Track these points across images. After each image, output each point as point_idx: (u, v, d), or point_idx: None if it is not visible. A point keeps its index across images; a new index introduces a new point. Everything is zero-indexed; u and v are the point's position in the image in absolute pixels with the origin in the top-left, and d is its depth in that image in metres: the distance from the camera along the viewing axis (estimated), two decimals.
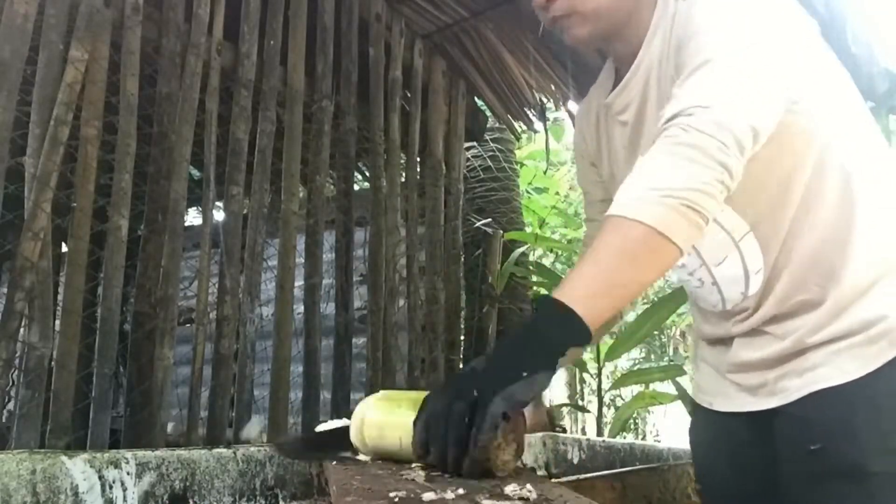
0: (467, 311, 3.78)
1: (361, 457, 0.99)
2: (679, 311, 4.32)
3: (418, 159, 3.33)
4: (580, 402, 7.39)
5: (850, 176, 1.02)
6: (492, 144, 4.30)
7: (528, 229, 4.65)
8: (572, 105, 3.58)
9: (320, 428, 1.14)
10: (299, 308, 2.74)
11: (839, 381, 0.99)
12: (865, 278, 1.00)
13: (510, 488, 0.74)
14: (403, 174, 3.26)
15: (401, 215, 3.13)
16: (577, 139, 1.33)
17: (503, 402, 0.80)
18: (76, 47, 2.12)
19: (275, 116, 2.66)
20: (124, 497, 1.29)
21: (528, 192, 5.50)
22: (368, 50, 3.06)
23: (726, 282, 1.10)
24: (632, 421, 7.50)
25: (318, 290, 2.72)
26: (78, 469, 1.24)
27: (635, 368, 6.30)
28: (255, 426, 2.32)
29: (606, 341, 3.62)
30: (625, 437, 4.57)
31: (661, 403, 4.12)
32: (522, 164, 5.33)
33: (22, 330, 1.97)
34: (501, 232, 4.02)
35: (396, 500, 0.68)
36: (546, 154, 4.37)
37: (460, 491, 0.72)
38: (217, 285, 2.45)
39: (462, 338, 3.51)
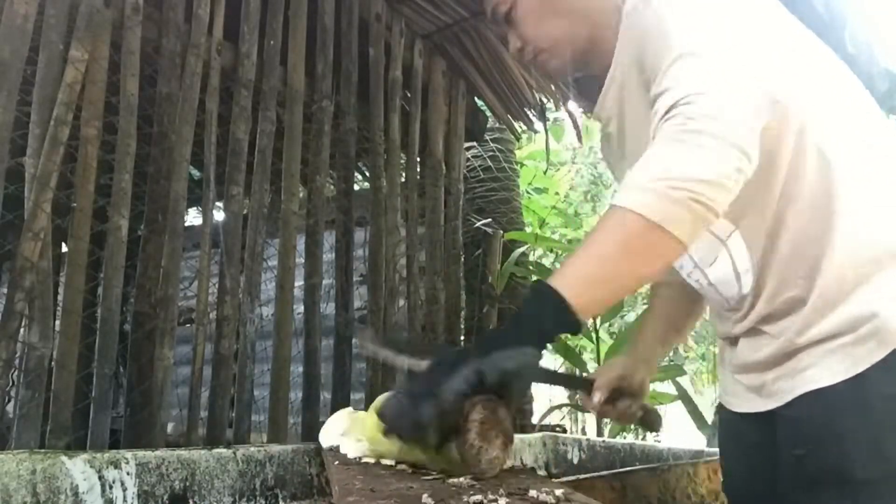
0: (467, 312, 3.78)
1: (364, 453, 0.99)
2: None
3: (418, 159, 3.33)
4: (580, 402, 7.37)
5: (829, 164, 0.99)
6: (492, 144, 4.30)
7: (528, 229, 4.65)
8: (572, 105, 3.58)
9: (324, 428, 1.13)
10: (299, 308, 2.74)
11: (827, 382, 0.97)
12: (851, 273, 0.97)
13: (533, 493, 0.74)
14: (403, 174, 3.26)
15: (401, 215, 3.13)
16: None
17: (487, 364, 0.83)
18: (76, 47, 2.12)
19: (275, 116, 2.66)
20: (124, 497, 1.29)
21: (528, 192, 5.50)
22: (368, 50, 3.06)
23: (721, 282, 1.10)
24: None
25: (318, 290, 2.72)
26: (78, 469, 1.24)
27: None
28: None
29: (606, 341, 3.61)
30: (625, 437, 4.56)
31: (661, 403, 4.11)
32: (522, 165, 5.33)
33: (22, 330, 1.96)
34: (501, 232, 4.01)
35: (397, 500, 0.68)
36: (546, 154, 4.38)
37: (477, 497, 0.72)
38: (217, 285, 2.44)
39: (462, 338, 3.50)
